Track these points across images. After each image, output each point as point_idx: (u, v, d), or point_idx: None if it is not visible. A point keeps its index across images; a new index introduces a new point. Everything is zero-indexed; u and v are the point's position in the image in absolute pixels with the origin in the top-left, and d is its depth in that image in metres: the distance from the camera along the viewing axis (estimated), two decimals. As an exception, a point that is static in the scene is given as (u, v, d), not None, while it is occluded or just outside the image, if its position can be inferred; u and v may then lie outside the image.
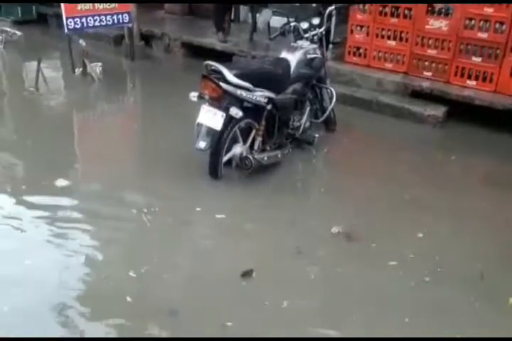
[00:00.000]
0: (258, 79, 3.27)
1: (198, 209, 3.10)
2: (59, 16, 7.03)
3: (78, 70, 5.45)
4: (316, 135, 3.88)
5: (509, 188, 3.47)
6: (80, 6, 5.55)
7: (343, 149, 4.08)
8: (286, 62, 3.58)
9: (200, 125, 3.25)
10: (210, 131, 3.20)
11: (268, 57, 5.43)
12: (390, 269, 2.62)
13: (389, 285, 2.52)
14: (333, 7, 3.90)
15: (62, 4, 5.42)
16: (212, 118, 3.16)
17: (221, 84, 3.10)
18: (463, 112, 4.39)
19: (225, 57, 5.67)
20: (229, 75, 3.12)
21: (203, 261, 2.66)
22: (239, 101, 3.21)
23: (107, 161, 3.71)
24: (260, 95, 3.29)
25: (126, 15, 5.94)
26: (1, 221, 2.92)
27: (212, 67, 3.16)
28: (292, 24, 3.83)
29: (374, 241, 2.82)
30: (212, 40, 6.13)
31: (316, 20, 3.86)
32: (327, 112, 4.01)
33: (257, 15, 5.73)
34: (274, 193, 3.32)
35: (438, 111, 4.42)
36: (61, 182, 3.33)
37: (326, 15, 3.85)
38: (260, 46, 5.84)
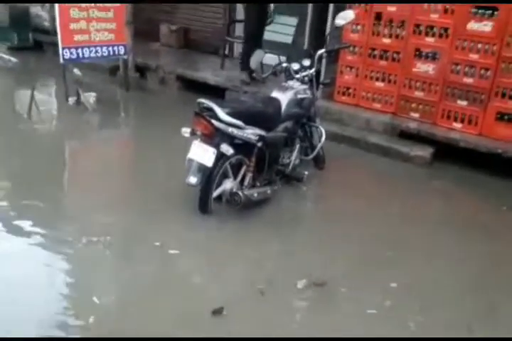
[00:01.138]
0: (250, 118, 3.33)
1: (157, 243, 3.05)
2: (55, 44, 7.16)
3: (72, 99, 5.49)
4: (306, 172, 3.92)
5: (492, 233, 3.47)
6: (77, 37, 5.67)
7: (331, 187, 4.11)
8: (277, 102, 3.66)
9: (191, 160, 3.26)
10: (201, 167, 3.22)
11: (259, 93, 5.56)
12: (370, 317, 2.56)
13: (379, 334, 2.44)
14: (323, 50, 4.03)
15: (59, 34, 5.54)
16: (203, 154, 3.19)
17: (213, 121, 3.15)
18: (449, 153, 4.48)
19: (218, 91, 5.79)
20: (221, 113, 3.18)
21: (171, 296, 2.62)
22: (230, 138, 3.26)
23: (90, 190, 3.71)
24: (251, 133, 3.34)
25: (122, 47, 6.06)
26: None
27: (205, 105, 3.22)
28: (284, 65, 3.95)
29: (348, 289, 2.76)
30: (205, 74, 6.27)
31: (306, 62, 3.97)
32: (316, 150, 4.07)
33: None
34: (257, 231, 3.29)
35: (425, 151, 4.51)
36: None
37: (316, 57, 3.97)
38: (252, 82, 5.96)
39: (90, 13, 5.73)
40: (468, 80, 4.49)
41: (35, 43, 8.17)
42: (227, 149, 3.17)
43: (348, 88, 5.21)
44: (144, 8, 7.65)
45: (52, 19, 7.94)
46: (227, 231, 3.26)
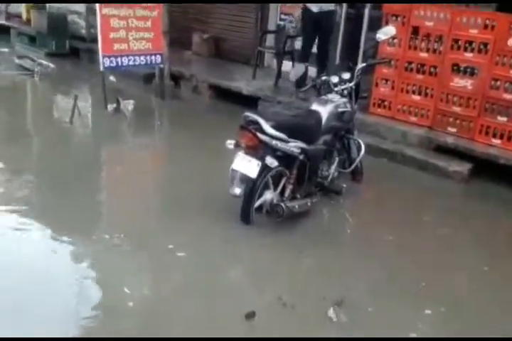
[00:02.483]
0: (292, 131, 3.38)
1: (171, 246, 3.12)
2: (91, 51, 7.37)
3: (111, 106, 5.62)
4: (344, 185, 3.94)
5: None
6: (116, 46, 5.81)
7: (368, 202, 4.12)
8: (318, 115, 3.70)
9: (234, 171, 3.33)
10: (245, 178, 3.29)
11: (293, 103, 5.62)
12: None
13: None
14: (364, 64, 4.06)
15: (99, 43, 5.69)
16: (247, 165, 3.24)
17: (258, 134, 3.21)
18: (489, 168, 4.41)
19: (249, 101, 5.86)
20: (266, 126, 3.24)
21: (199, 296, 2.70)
22: (273, 151, 3.32)
23: (129, 196, 3.82)
24: (294, 145, 3.39)
25: (159, 56, 6.20)
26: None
27: (250, 118, 3.28)
28: (323, 78, 3.98)
29: (381, 313, 2.66)
30: (239, 83, 6.35)
31: (346, 75, 4.00)
32: (355, 163, 4.08)
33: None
34: (294, 244, 3.31)
35: (463, 167, 4.46)
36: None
37: (356, 71, 3.99)
38: (285, 92, 6.02)
39: (129, 23, 5.88)
40: (509, 96, 4.46)
41: (71, 50, 8.39)
42: (271, 162, 3.23)
43: (383, 100, 5.22)
44: (178, 16, 7.80)
45: (89, 27, 8.21)
46: (265, 242, 3.29)
